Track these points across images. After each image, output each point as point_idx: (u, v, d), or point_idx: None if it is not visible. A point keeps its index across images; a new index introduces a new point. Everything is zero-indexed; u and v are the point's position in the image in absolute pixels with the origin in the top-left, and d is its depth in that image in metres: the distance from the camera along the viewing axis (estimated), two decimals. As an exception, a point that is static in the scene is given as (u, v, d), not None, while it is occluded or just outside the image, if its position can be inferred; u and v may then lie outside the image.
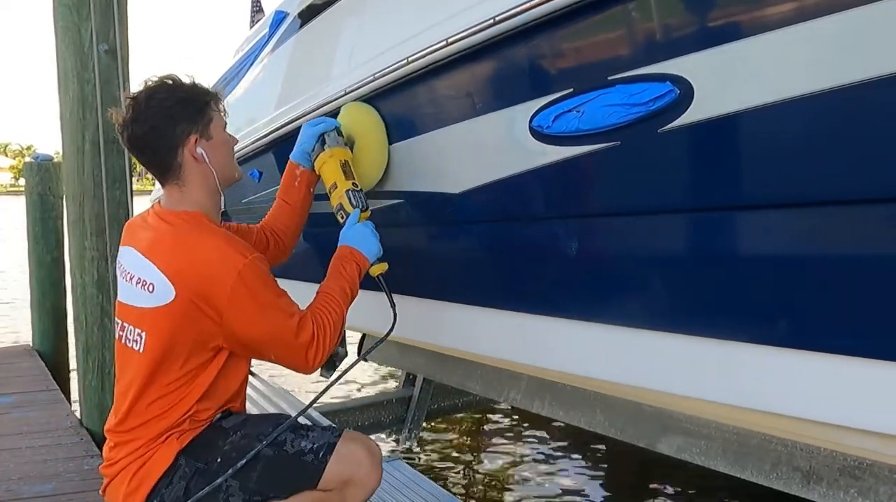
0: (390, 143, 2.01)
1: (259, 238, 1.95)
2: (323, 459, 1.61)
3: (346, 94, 2.03)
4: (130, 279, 1.65)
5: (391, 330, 1.83)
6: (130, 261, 1.67)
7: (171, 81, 1.67)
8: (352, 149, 1.98)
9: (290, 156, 2.01)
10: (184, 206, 1.68)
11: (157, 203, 1.74)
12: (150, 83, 1.67)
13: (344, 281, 1.74)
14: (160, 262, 1.59)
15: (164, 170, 1.68)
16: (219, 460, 1.61)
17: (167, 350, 1.59)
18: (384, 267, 1.85)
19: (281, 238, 1.99)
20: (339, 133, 1.98)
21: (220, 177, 1.71)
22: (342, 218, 1.87)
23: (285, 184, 2.02)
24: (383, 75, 1.87)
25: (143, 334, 1.61)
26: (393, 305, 1.84)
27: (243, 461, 1.58)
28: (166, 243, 1.63)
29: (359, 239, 1.81)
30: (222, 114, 1.74)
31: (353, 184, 1.90)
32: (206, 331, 1.59)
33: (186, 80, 1.69)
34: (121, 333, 1.69)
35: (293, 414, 1.72)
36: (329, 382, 1.88)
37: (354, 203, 1.87)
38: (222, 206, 1.77)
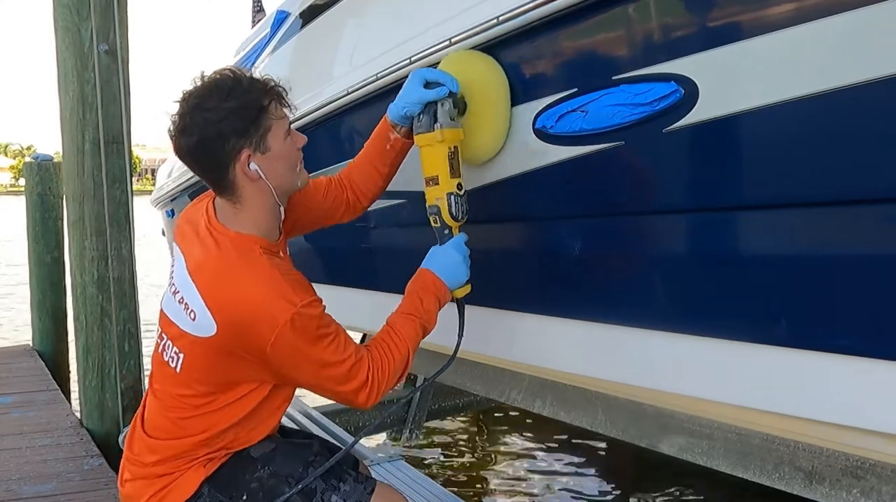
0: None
1: (335, 192, 1.76)
2: None
3: (347, 93, 2.03)
4: (175, 293, 1.51)
5: (453, 357, 1.69)
6: (178, 273, 1.52)
7: (224, 82, 1.44)
8: (464, 110, 1.61)
9: (388, 111, 1.67)
10: (238, 226, 1.49)
11: (210, 204, 1.55)
12: (203, 82, 1.46)
13: (419, 317, 1.56)
14: (202, 289, 1.44)
15: (217, 186, 1.50)
16: (244, 498, 1.51)
17: (204, 378, 1.49)
18: (467, 289, 1.65)
19: (360, 198, 1.78)
20: (455, 104, 1.59)
21: (280, 190, 1.51)
22: (435, 222, 1.63)
23: (376, 145, 1.71)
24: (386, 75, 1.86)
25: (182, 356, 1.49)
26: (461, 334, 1.67)
27: None
28: (210, 269, 1.47)
29: (449, 268, 1.61)
30: (287, 112, 1.50)
31: (459, 185, 1.60)
32: (247, 371, 1.47)
33: (244, 78, 1.46)
34: (160, 342, 1.56)
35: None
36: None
37: (454, 213, 1.60)
38: (282, 215, 1.58)
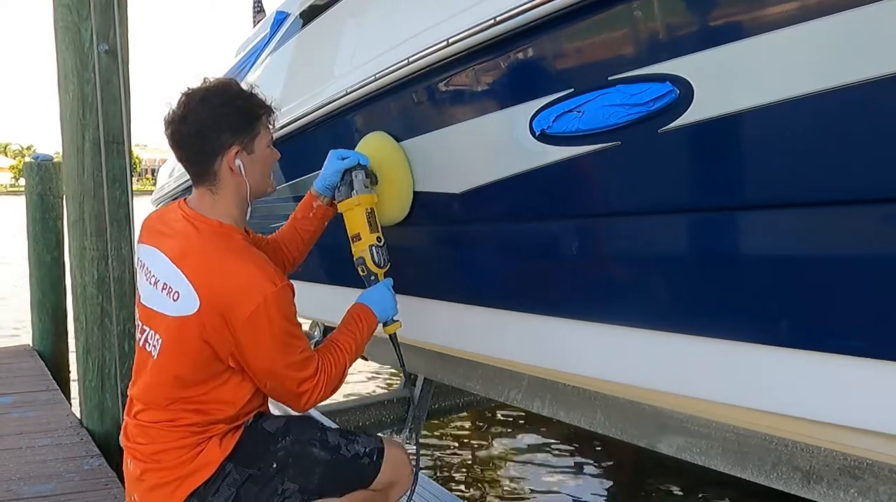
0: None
1: (276, 252, 1.93)
2: (377, 462, 1.75)
3: (346, 93, 2.04)
4: (156, 283, 1.63)
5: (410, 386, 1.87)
6: (158, 266, 1.64)
7: (231, 86, 1.67)
8: (375, 180, 1.93)
9: (314, 184, 1.96)
10: (215, 215, 1.66)
11: (183, 201, 1.71)
12: (209, 82, 1.65)
13: (354, 338, 1.77)
14: (189, 272, 1.57)
15: (200, 173, 1.66)
16: (274, 465, 1.66)
17: (182, 358, 1.59)
18: (398, 326, 1.88)
19: (287, 261, 1.99)
20: (367, 174, 1.91)
21: (253, 189, 1.69)
22: (363, 272, 1.88)
23: (301, 212, 2.00)
24: (384, 75, 1.87)
25: (160, 340, 1.61)
26: (402, 364, 1.90)
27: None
28: (196, 254, 1.61)
29: (378, 301, 1.84)
30: (271, 128, 1.72)
31: (378, 238, 1.87)
32: (221, 346, 1.57)
33: (245, 89, 1.68)
34: (140, 336, 1.68)
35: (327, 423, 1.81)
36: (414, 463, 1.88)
37: (377, 261, 1.86)
38: (248, 216, 1.74)
